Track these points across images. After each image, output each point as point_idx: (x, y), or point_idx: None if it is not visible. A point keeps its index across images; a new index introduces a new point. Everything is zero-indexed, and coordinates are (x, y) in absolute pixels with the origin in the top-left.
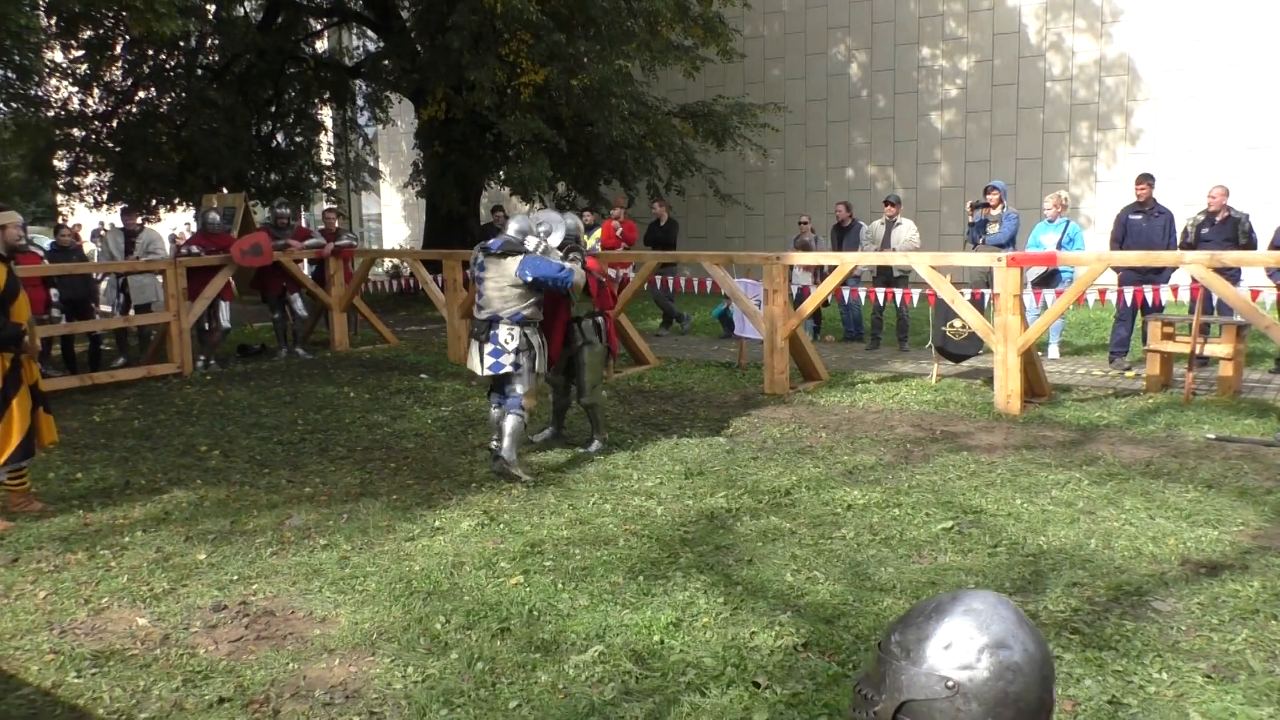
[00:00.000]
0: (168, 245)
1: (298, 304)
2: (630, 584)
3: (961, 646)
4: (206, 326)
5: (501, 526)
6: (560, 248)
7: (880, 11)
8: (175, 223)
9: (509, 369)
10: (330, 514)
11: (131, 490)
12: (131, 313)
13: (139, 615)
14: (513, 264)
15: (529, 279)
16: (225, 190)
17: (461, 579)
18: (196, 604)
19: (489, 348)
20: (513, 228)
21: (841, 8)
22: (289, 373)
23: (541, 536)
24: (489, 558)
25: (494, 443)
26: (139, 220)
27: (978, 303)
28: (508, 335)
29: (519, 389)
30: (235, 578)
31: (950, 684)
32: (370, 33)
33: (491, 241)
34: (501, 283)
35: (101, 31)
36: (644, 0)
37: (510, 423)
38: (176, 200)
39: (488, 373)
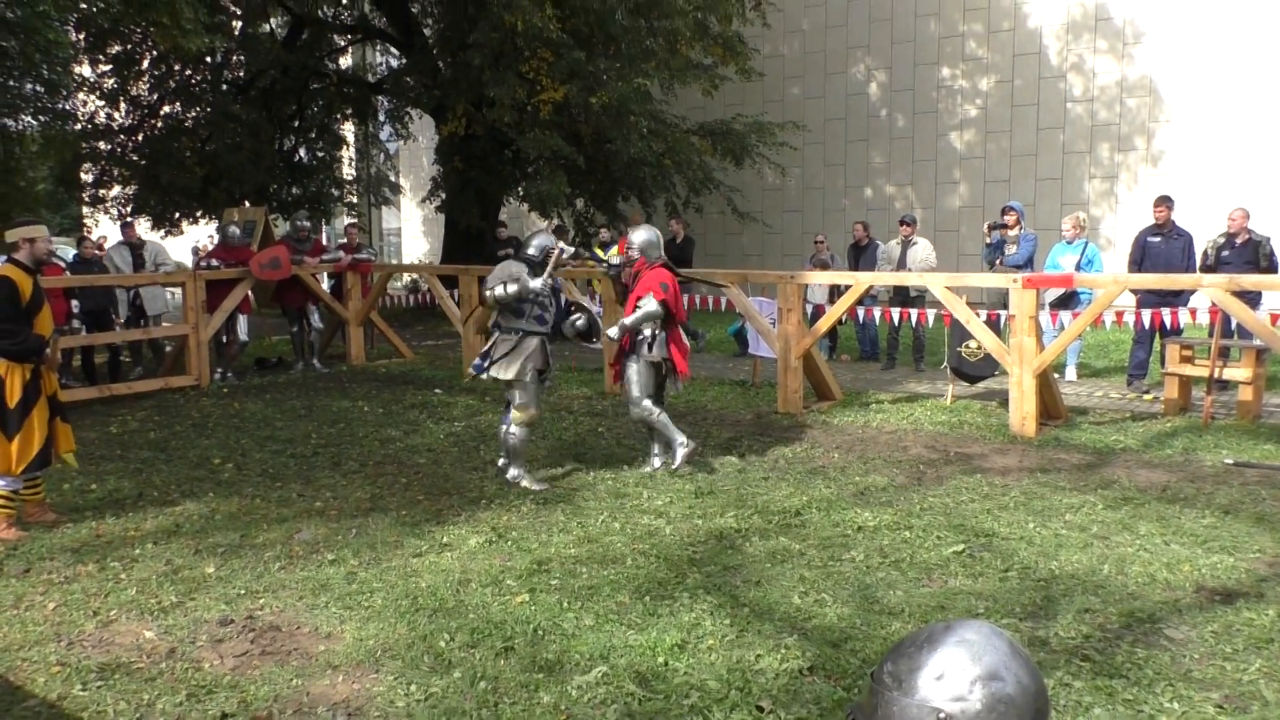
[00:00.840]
0: (189, 257)
1: (314, 317)
2: (636, 604)
3: (954, 678)
4: (224, 339)
5: (509, 544)
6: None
7: (900, 32)
8: (198, 235)
9: (475, 371)
10: (339, 528)
11: (144, 502)
12: (143, 324)
13: (146, 628)
14: None
15: None
16: (247, 204)
17: (467, 596)
18: (204, 617)
19: (483, 351)
20: (533, 244)
21: (861, 28)
22: (305, 386)
23: (549, 554)
24: (495, 575)
25: (501, 459)
26: (163, 233)
27: (994, 324)
28: (490, 345)
29: (516, 399)
30: (243, 591)
31: (942, 715)
32: (393, 49)
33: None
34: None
35: (129, 47)
36: (664, 19)
37: (507, 441)
38: (199, 213)
39: (471, 372)
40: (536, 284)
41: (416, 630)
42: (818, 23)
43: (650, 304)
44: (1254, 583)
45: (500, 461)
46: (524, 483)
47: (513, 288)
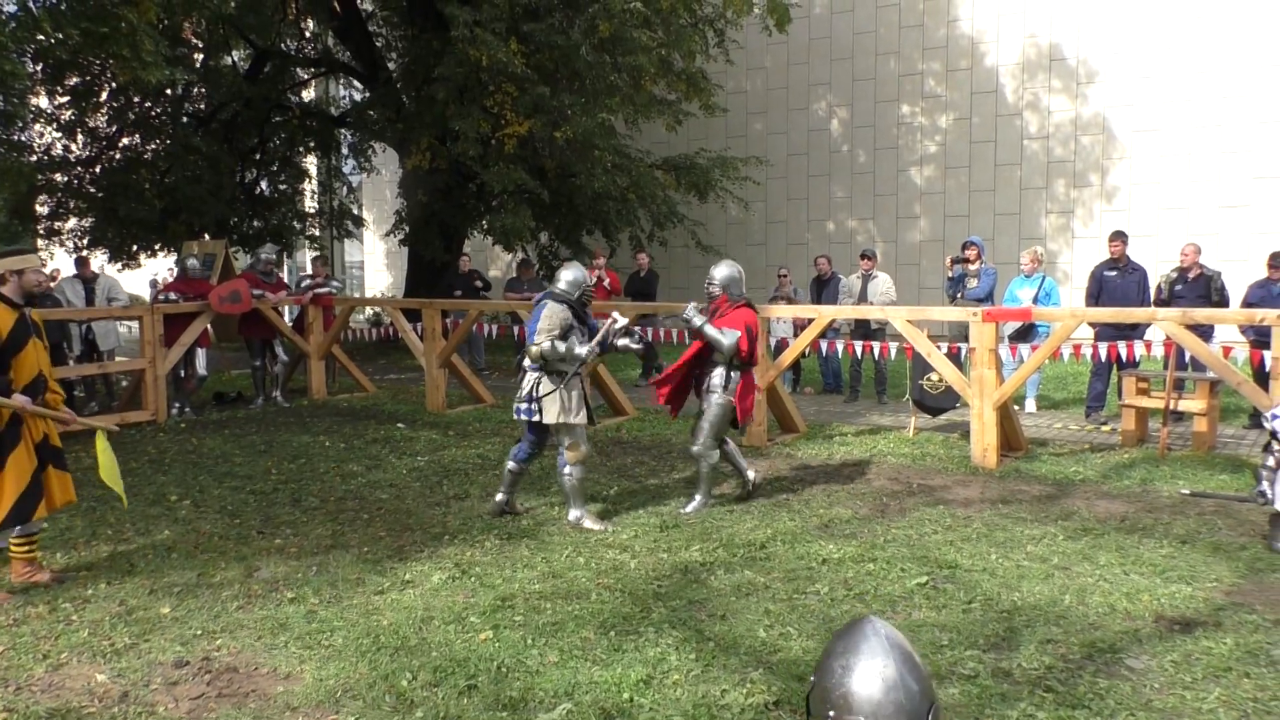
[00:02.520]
0: (147, 290)
1: (278, 350)
2: (601, 639)
3: (829, 661)
4: (183, 374)
5: (472, 580)
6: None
7: (861, 70)
8: (157, 268)
9: (527, 417)
10: (299, 566)
11: (98, 541)
12: (96, 358)
13: (98, 671)
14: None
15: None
16: (207, 237)
17: (430, 634)
18: (158, 660)
19: (524, 394)
20: (564, 279)
21: (823, 65)
22: (265, 421)
23: (513, 590)
24: (459, 612)
25: (500, 495)
26: (120, 266)
27: (955, 357)
28: (532, 384)
29: (567, 439)
30: (199, 632)
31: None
32: (356, 83)
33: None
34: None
35: (88, 79)
36: (628, 56)
37: (565, 484)
38: (157, 246)
39: (520, 419)
40: (583, 351)
41: (378, 669)
42: (780, 60)
43: (731, 337)
44: (1211, 612)
45: (499, 497)
46: (586, 523)
47: (561, 347)
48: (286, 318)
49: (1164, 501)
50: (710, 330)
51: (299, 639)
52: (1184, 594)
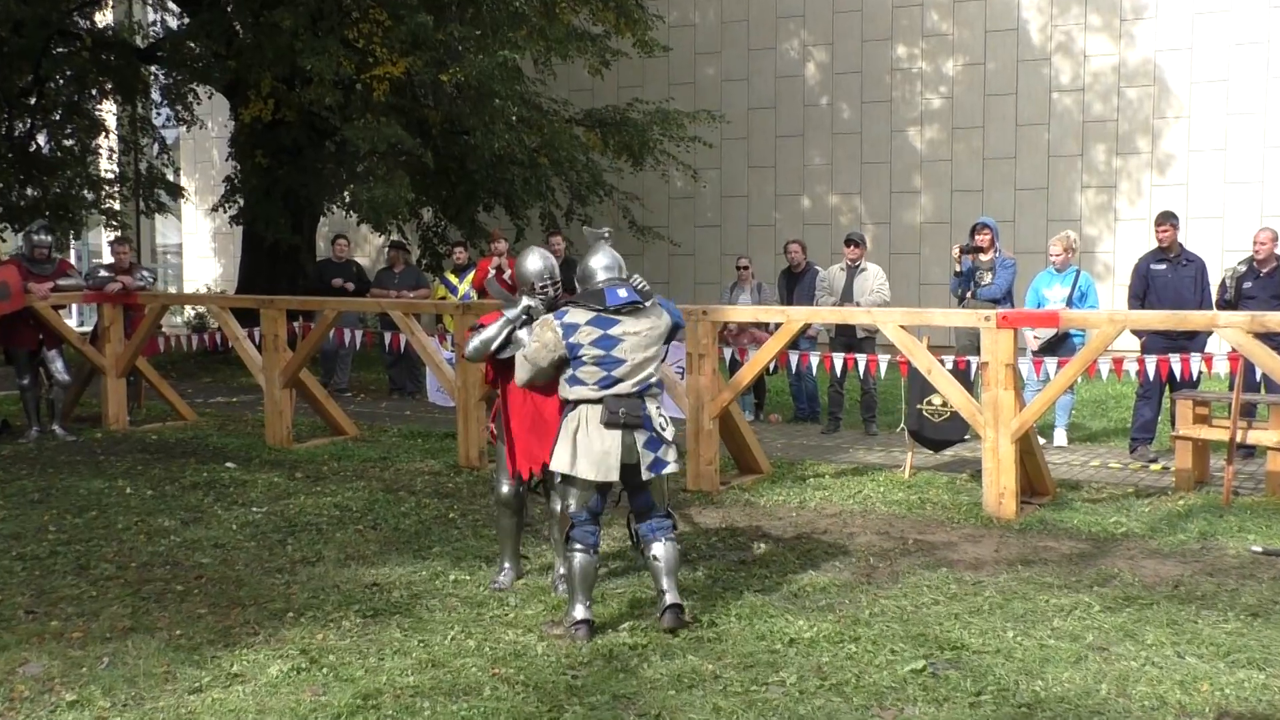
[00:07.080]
0: None
1: (57, 365)
2: None
3: None
4: None
5: (324, 671)
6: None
7: None
8: None
9: (673, 466)
10: (85, 657)
11: None
12: None
13: None
14: (657, 311)
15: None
16: None
17: None
18: None
19: (643, 438)
20: (602, 265)
21: None
22: (40, 460)
23: (379, 685)
24: (304, 715)
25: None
26: None
27: (963, 374)
28: (660, 417)
29: (665, 498)
30: None
31: None
32: (171, 4)
33: (622, 293)
34: (650, 341)
35: None
36: None
37: (668, 554)
38: None
39: (648, 475)
40: None
41: None
42: None
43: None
44: None
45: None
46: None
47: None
48: (75, 320)
49: (1229, 561)
50: None
51: None
52: (1255, 682)
